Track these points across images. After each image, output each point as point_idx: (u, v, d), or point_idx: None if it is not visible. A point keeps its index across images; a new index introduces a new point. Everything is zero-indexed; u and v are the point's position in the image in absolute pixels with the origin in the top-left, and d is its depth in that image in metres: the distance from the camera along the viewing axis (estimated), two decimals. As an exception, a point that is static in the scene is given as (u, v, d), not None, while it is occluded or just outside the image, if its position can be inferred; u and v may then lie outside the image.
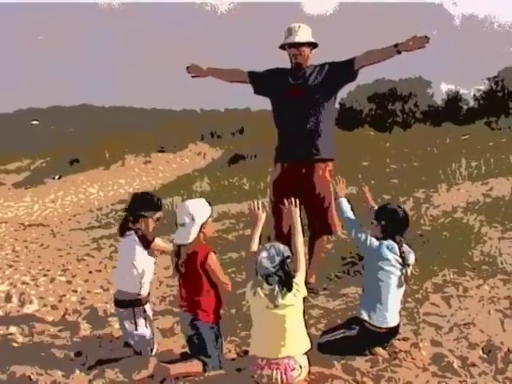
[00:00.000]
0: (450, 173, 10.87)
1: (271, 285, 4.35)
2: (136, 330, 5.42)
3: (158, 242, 5.57)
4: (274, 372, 4.30)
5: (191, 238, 4.86)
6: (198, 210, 4.94)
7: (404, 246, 4.93)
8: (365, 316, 4.80)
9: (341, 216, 5.41)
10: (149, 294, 5.61)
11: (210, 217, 5.02)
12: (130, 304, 5.44)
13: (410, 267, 4.92)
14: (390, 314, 4.81)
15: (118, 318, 5.70)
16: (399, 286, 4.87)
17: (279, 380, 4.29)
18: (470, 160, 11.92)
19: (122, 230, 5.61)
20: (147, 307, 5.53)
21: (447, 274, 6.37)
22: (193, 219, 4.86)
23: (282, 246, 4.49)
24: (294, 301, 4.37)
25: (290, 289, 4.34)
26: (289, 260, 4.41)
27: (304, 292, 4.48)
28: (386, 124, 29.05)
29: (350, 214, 5.29)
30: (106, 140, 32.17)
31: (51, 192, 23.87)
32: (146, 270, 5.51)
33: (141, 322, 5.44)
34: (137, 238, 5.47)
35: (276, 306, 4.33)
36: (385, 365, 4.63)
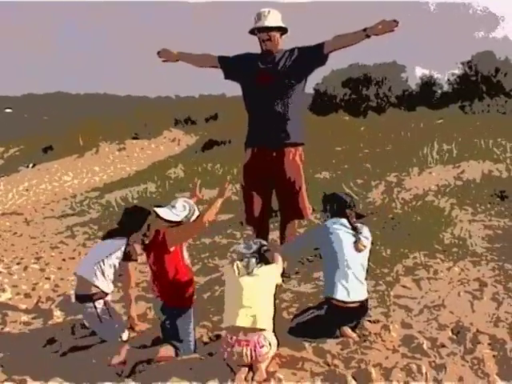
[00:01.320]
0: (422, 156, 10.93)
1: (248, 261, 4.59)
2: (101, 322, 5.43)
3: (131, 268, 5.67)
4: (244, 349, 4.34)
5: (170, 218, 4.90)
6: (192, 215, 5.03)
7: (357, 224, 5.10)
8: (328, 293, 4.88)
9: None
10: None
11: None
12: (90, 298, 5.45)
13: (365, 240, 5.02)
14: (352, 287, 4.85)
15: (82, 312, 5.71)
16: (354, 256, 4.94)
17: (249, 356, 4.34)
18: (442, 144, 11.99)
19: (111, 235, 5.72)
20: (108, 298, 5.55)
21: (418, 257, 6.43)
22: (184, 211, 4.95)
23: (261, 240, 4.71)
24: (266, 274, 4.55)
25: (266, 262, 4.62)
26: (265, 247, 4.59)
27: (278, 279, 4.66)
28: (361, 109, 29.16)
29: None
30: (80, 127, 32.02)
31: (25, 180, 23.72)
32: (114, 272, 5.57)
33: (104, 314, 5.45)
34: (123, 248, 5.52)
35: (249, 274, 4.53)
36: (355, 347, 4.68)
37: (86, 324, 5.68)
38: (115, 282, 5.67)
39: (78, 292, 5.56)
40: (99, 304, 5.44)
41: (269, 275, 4.63)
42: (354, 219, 5.13)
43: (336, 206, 5.22)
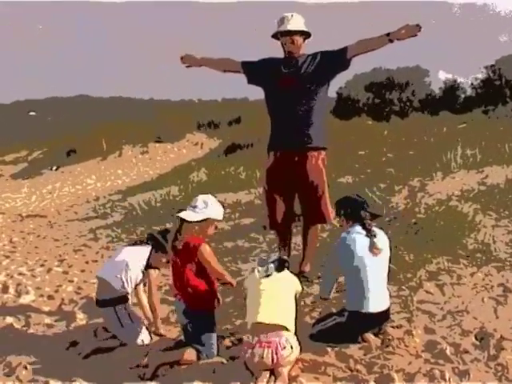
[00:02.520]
0: (445, 161, 10.87)
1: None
2: (122, 326, 5.46)
3: (154, 275, 5.75)
4: (266, 350, 4.34)
5: (195, 218, 4.92)
6: (215, 207, 5.06)
7: (375, 229, 5.00)
8: (352, 307, 4.86)
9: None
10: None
11: (218, 221, 5.12)
12: (111, 303, 5.49)
13: (381, 243, 4.95)
14: (375, 298, 4.82)
15: (102, 316, 5.74)
16: (375, 266, 4.87)
17: (270, 358, 4.33)
18: (465, 148, 11.91)
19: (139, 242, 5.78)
20: (128, 303, 5.58)
21: (441, 262, 6.39)
22: (206, 207, 4.96)
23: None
24: (286, 278, 4.55)
25: (282, 268, 4.63)
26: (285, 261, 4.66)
27: (298, 286, 4.77)
28: (384, 113, 29.07)
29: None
30: (104, 130, 32.14)
31: (49, 183, 23.88)
32: (137, 277, 5.59)
33: (125, 318, 5.48)
34: (148, 254, 5.57)
35: (268, 276, 4.58)
36: (378, 352, 4.66)
37: (107, 328, 5.73)
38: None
39: (100, 297, 5.60)
40: (120, 308, 5.48)
41: (288, 280, 4.69)
42: (369, 221, 5.01)
43: (350, 209, 5.13)
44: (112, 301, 5.50)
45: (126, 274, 5.53)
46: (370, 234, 4.91)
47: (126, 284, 5.54)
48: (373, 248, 4.87)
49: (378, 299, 4.83)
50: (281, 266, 4.66)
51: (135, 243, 5.93)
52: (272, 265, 4.62)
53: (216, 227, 5.16)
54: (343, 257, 4.95)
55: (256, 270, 4.67)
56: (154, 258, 5.68)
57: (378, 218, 5.28)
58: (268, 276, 4.60)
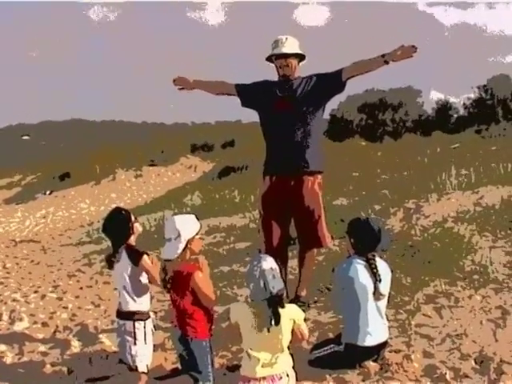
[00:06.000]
0: (440, 182, 10.84)
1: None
2: (135, 344, 5.33)
3: (147, 260, 5.40)
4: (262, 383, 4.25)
5: (176, 255, 4.78)
6: (185, 226, 4.81)
7: (377, 260, 4.87)
8: (350, 340, 4.78)
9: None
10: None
11: (197, 233, 4.91)
12: (132, 316, 5.35)
13: (384, 282, 4.85)
14: (374, 331, 4.76)
15: (117, 330, 5.60)
16: (374, 303, 4.80)
17: None
18: (460, 169, 11.90)
19: (111, 263, 5.50)
20: (148, 322, 5.44)
21: (438, 285, 6.35)
22: (179, 235, 4.74)
23: (271, 277, 4.35)
24: (284, 325, 4.30)
25: (277, 322, 4.27)
26: (279, 295, 4.34)
27: (297, 318, 4.44)
28: (377, 134, 29.10)
29: None
30: (97, 154, 32.23)
31: (42, 207, 23.85)
32: (143, 287, 5.42)
33: (140, 336, 5.35)
34: (126, 258, 5.36)
35: (266, 330, 4.27)
36: (377, 377, 4.62)
37: (116, 345, 5.60)
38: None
39: (122, 309, 5.42)
40: (139, 324, 5.34)
41: (287, 324, 4.27)
42: (376, 263, 4.84)
43: (360, 243, 4.92)
44: (133, 314, 5.33)
45: (131, 294, 5.34)
46: (376, 279, 4.77)
47: (137, 301, 5.36)
48: (377, 294, 4.78)
49: (376, 333, 4.78)
50: (277, 320, 4.21)
51: (110, 261, 5.62)
52: (268, 314, 4.31)
53: (200, 238, 5.00)
54: (346, 285, 4.85)
55: (251, 315, 4.28)
56: (135, 251, 5.41)
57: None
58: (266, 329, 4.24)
